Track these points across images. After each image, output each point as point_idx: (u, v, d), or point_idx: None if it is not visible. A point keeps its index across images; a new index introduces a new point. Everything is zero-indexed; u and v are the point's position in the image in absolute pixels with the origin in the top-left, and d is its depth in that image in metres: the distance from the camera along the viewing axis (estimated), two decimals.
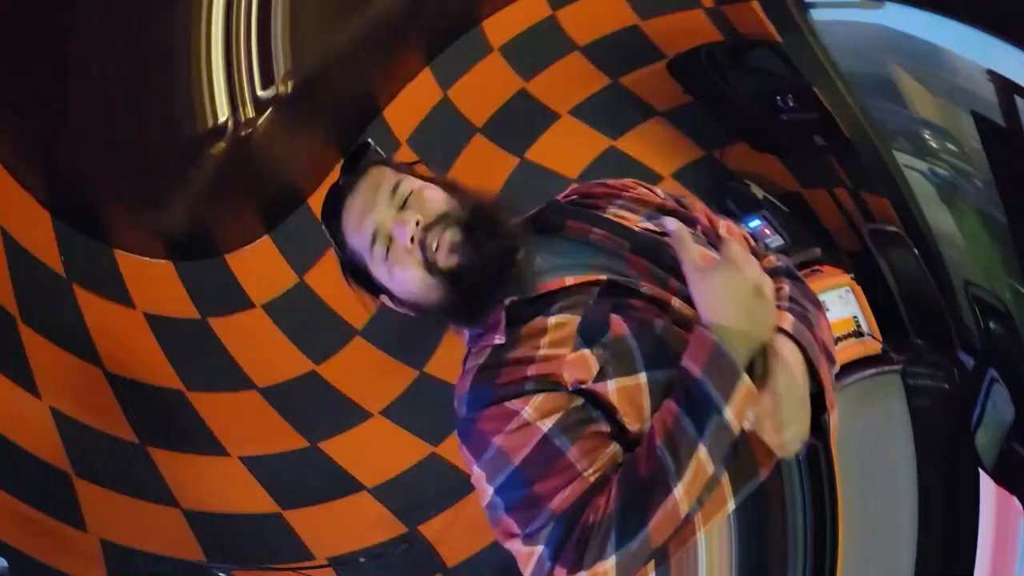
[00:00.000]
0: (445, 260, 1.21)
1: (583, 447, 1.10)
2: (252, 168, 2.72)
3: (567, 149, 3.86)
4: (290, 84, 2.46)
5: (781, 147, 3.67)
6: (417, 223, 1.22)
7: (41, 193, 2.39)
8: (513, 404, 1.12)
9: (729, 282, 1.10)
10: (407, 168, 1.34)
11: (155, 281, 2.76)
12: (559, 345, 1.16)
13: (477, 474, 1.14)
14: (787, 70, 3.69)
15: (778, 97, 3.59)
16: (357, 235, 1.27)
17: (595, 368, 1.13)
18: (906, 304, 2.89)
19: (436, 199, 1.26)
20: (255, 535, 2.72)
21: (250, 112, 2.40)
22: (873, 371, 2.13)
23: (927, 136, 3.53)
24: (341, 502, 2.84)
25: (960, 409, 2.46)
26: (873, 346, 2.15)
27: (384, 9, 2.82)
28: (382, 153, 1.35)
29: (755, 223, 3.14)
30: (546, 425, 1.11)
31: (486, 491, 1.13)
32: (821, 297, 2.44)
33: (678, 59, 3.81)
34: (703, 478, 1.05)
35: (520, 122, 3.76)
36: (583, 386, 1.13)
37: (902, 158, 3.60)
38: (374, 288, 1.32)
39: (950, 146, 3.19)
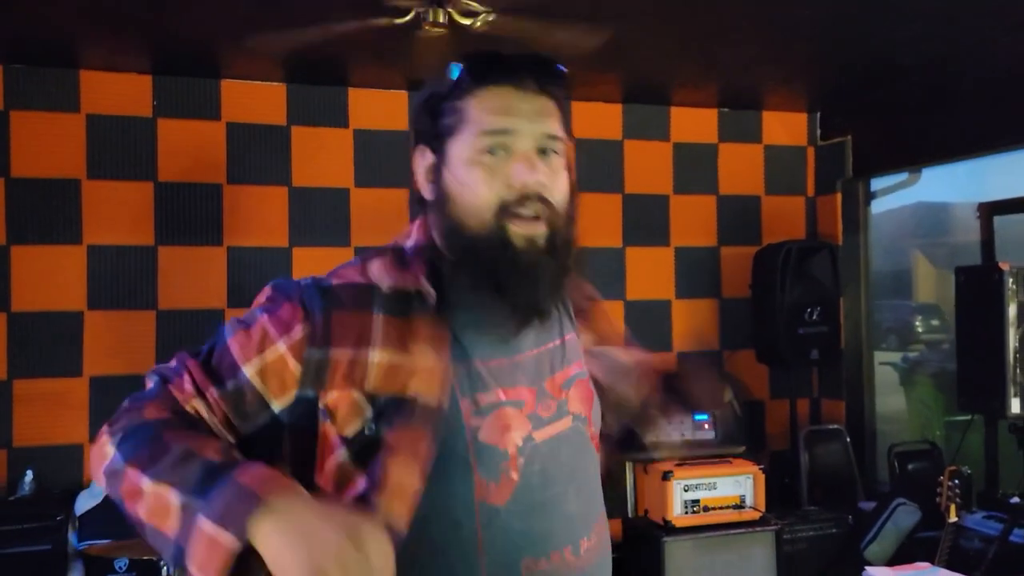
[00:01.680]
0: (520, 231, 1.05)
1: (246, 387, 1.02)
2: None
3: (644, 274, 4.48)
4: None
5: (781, 361, 4.25)
6: (542, 190, 1.06)
7: None
8: (301, 326, 1.02)
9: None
10: (566, 128, 1.12)
11: None
12: (375, 344, 1.02)
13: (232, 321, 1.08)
14: (831, 280, 4.39)
15: (808, 310, 4.19)
16: (488, 117, 1.06)
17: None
18: (812, 482, 3.88)
19: (561, 187, 1.10)
20: None
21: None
22: (745, 530, 2.96)
23: (918, 323, 4.37)
24: None
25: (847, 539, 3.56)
26: (751, 514, 2.97)
27: None
28: (565, 96, 1.13)
29: (701, 418, 3.91)
30: (265, 355, 1.03)
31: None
32: (728, 479, 3.40)
33: (767, 248, 4.40)
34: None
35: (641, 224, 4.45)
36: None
37: (881, 356, 4.38)
38: (433, 143, 1.11)
39: (934, 322, 4.07)
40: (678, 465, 3.09)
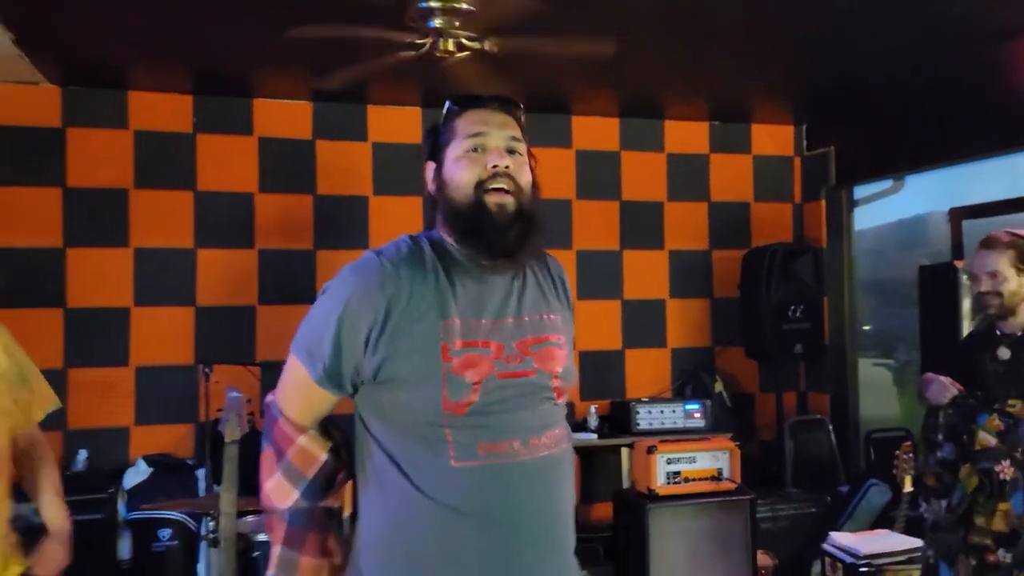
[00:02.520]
0: (493, 200, 1.43)
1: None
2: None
3: (640, 275, 4.85)
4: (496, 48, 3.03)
5: (767, 356, 4.60)
6: (507, 168, 1.44)
7: None
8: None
9: None
10: (526, 141, 1.52)
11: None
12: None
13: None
14: (814, 280, 4.72)
15: (792, 308, 4.52)
16: (469, 127, 1.46)
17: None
18: (797, 468, 4.25)
19: (525, 175, 1.48)
20: None
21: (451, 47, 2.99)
22: (722, 499, 3.32)
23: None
24: None
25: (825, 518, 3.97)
26: (728, 485, 3.33)
27: None
28: (523, 118, 1.55)
29: (693, 406, 4.27)
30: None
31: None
32: (707, 454, 3.72)
33: (754, 251, 4.76)
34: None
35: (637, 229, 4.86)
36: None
37: (867, 361, 4.78)
38: (433, 156, 1.52)
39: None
40: (662, 441, 3.44)
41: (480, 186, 1.44)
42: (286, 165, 4.32)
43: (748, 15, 3.41)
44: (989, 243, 2.53)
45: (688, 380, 4.93)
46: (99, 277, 4.05)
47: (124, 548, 3.79)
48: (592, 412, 4.52)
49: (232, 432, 2.63)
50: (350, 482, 1.53)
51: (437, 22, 2.99)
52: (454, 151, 1.47)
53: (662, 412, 4.44)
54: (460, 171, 1.45)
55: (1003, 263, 2.48)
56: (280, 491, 1.47)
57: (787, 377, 4.94)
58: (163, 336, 4.09)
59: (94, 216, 4.05)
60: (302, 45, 3.30)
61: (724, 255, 5.06)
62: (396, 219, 4.41)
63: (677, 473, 3.34)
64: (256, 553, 3.09)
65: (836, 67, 4.20)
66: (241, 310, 4.22)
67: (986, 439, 2.38)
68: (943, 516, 2.50)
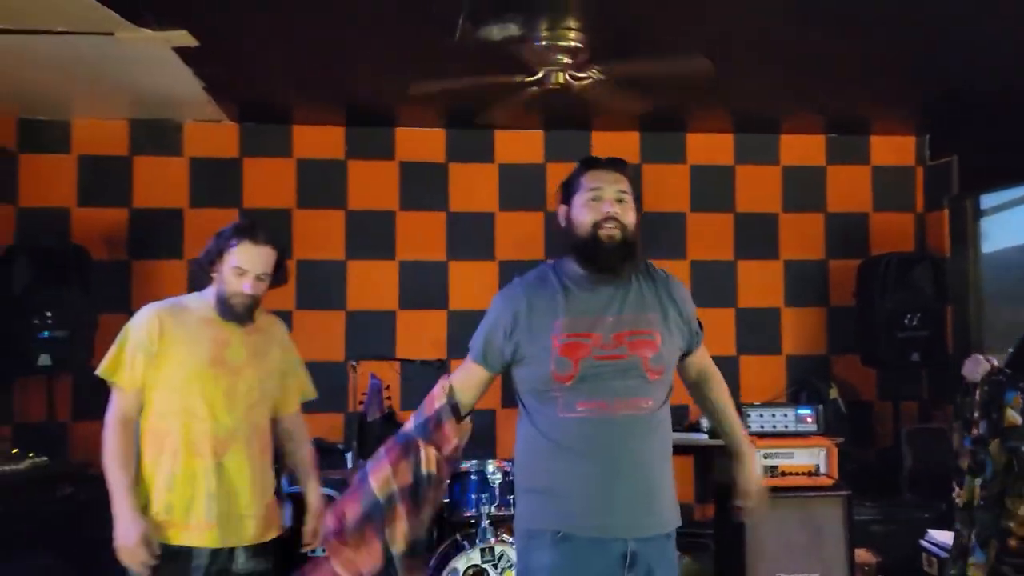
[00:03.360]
0: (605, 232, 2.03)
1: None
2: None
3: (754, 285, 5.05)
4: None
5: (881, 363, 4.66)
6: (616, 213, 2.04)
7: None
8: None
9: None
10: (633, 190, 2.13)
11: None
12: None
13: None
14: (933, 289, 4.75)
15: (908, 315, 4.58)
16: (593, 181, 2.08)
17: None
18: (914, 476, 4.22)
19: (630, 216, 2.07)
20: None
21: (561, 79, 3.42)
22: (817, 494, 3.51)
23: None
24: None
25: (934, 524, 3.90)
26: (824, 481, 3.51)
27: None
28: (629, 172, 2.14)
29: (805, 411, 4.35)
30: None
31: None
32: (805, 451, 3.98)
33: (870, 260, 4.85)
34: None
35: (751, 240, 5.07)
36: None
37: None
38: (566, 202, 2.13)
39: None
40: (760, 437, 3.65)
41: (596, 225, 2.05)
42: (422, 186, 4.86)
43: (856, 35, 3.53)
44: None
45: (802, 386, 5.05)
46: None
47: (286, 516, 4.39)
48: None
49: (372, 412, 3.13)
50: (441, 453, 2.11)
51: (550, 59, 3.39)
52: (579, 200, 2.09)
53: (773, 416, 4.59)
54: (583, 214, 2.08)
55: None
56: (408, 422, 2.15)
57: (907, 386, 4.96)
58: (320, 335, 4.70)
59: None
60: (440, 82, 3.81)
61: (841, 265, 5.14)
62: (519, 232, 4.84)
63: (775, 467, 3.55)
64: None
65: (961, 76, 4.19)
66: (384, 314, 4.78)
67: (1013, 417, 2.46)
68: (978, 495, 2.59)
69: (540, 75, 3.46)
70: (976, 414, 2.60)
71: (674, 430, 4.60)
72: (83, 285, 4.18)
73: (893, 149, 5.26)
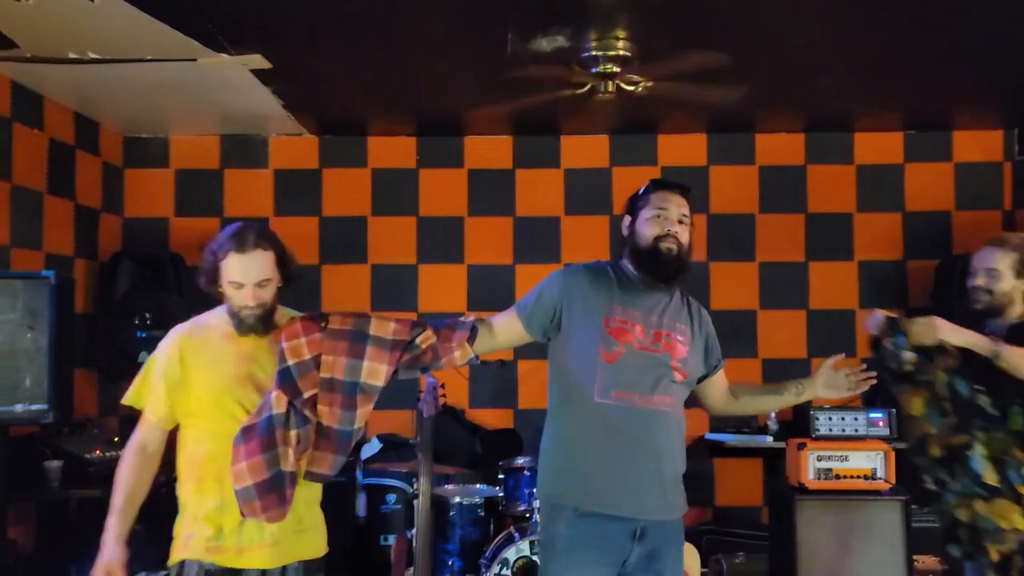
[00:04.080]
0: (665, 246, 2.29)
1: None
2: None
3: (826, 286, 4.98)
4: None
5: None
6: (676, 232, 2.30)
7: None
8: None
9: None
10: (690, 212, 2.38)
11: None
12: None
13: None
14: None
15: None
16: (661, 201, 2.34)
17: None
18: None
19: (686, 236, 2.35)
20: None
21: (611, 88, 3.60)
22: (873, 498, 3.45)
23: None
24: None
25: None
26: (880, 485, 3.46)
27: None
28: (692, 193, 2.42)
29: (877, 414, 4.23)
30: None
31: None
32: (861, 454, 3.84)
33: (946, 260, 4.71)
34: None
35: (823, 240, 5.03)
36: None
37: None
38: (631, 213, 2.40)
39: None
40: (813, 439, 3.63)
41: (658, 238, 2.31)
42: (490, 192, 5.03)
43: (936, 25, 3.41)
44: (997, 242, 2.60)
45: (877, 390, 4.91)
46: (344, 292, 5.00)
47: (360, 506, 4.66)
48: (772, 417, 4.71)
49: (428, 409, 3.31)
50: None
51: (599, 67, 3.50)
52: (646, 214, 2.35)
53: (843, 419, 4.50)
54: (648, 228, 2.33)
55: (1004, 263, 2.54)
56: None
57: None
58: None
59: (342, 239, 5.02)
60: (501, 92, 3.97)
61: (920, 265, 4.99)
62: (585, 236, 4.94)
63: (828, 470, 3.52)
64: (452, 513, 3.75)
65: None
66: (451, 316, 4.96)
67: (911, 358, 2.70)
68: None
69: (590, 85, 3.56)
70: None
71: (741, 432, 4.72)
72: (179, 289, 4.55)
73: (978, 144, 5.06)
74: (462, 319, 2.43)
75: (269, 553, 2.24)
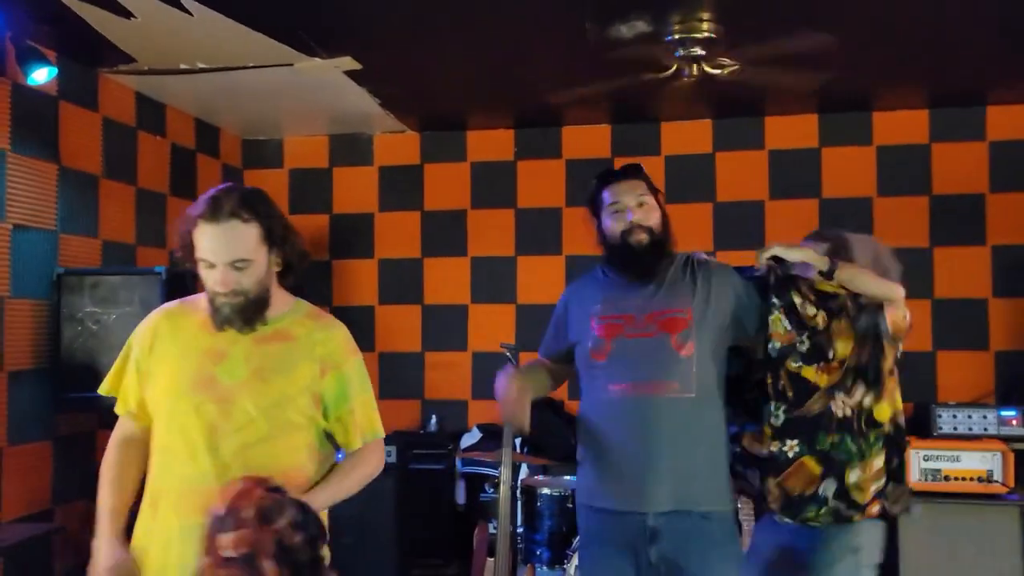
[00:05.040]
0: (634, 239, 2.20)
1: None
2: None
3: (953, 271, 4.61)
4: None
5: None
6: (640, 219, 2.20)
7: None
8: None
9: None
10: (652, 190, 2.28)
11: None
12: None
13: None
14: None
15: None
16: (611, 196, 2.26)
17: None
18: None
19: (653, 217, 2.24)
20: None
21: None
22: (986, 502, 3.15)
23: None
24: None
25: None
26: (997, 488, 3.15)
27: None
28: (646, 175, 2.31)
29: (1009, 412, 3.84)
30: None
31: None
32: (975, 455, 3.57)
33: None
34: None
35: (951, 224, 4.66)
36: None
37: None
38: (595, 214, 2.33)
39: None
40: (920, 438, 3.37)
41: (624, 235, 2.23)
42: (587, 182, 4.96)
43: None
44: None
45: (1015, 386, 4.51)
46: (446, 281, 5.11)
47: (460, 494, 4.76)
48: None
49: None
50: None
51: (682, 51, 3.39)
52: (604, 214, 2.29)
53: (970, 417, 4.18)
54: (612, 226, 2.27)
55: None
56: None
57: None
58: (491, 327, 5.01)
59: (443, 232, 5.13)
60: (588, 77, 3.92)
61: None
62: (688, 224, 4.75)
63: (937, 471, 3.26)
64: (539, 503, 3.76)
65: None
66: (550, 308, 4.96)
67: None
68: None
69: (674, 69, 3.46)
70: None
71: None
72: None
73: None
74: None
75: None
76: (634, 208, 2.23)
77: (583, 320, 2.29)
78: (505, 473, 3.33)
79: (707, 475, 2.16)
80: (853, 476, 2.17)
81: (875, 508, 2.18)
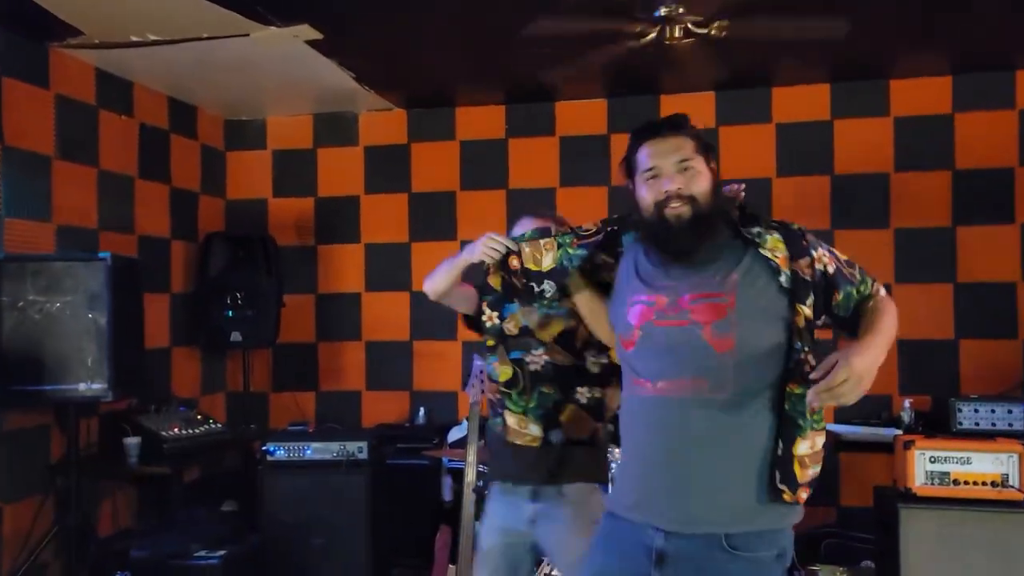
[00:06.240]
0: (671, 212, 1.79)
1: None
2: None
3: (978, 253, 4.25)
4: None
5: None
6: (679, 189, 1.78)
7: None
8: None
9: None
10: (703, 148, 1.84)
11: None
12: None
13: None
14: None
15: None
16: (647, 159, 1.82)
17: None
18: None
19: (700, 184, 1.79)
20: None
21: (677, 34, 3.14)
22: (1004, 509, 2.81)
23: None
24: None
25: None
26: (1013, 494, 2.81)
27: None
28: (695, 130, 1.87)
29: None
30: None
31: None
32: (986, 456, 3.12)
33: None
34: None
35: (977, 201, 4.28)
36: None
37: None
38: (630, 176, 1.88)
39: None
40: (927, 437, 3.04)
41: (659, 205, 1.81)
42: (583, 160, 4.68)
43: None
44: None
45: None
46: (435, 266, 4.84)
47: (446, 491, 4.53)
48: (906, 407, 4.10)
49: (475, 394, 3.08)
50: None
51: (663, 10, 3.08)
52: (638, 179, 1.87)
53: (993, 411, 3.83)
54: (645, 196, 1.85)
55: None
56: None
57: None
58: None
59: (432, 215, 4.88)
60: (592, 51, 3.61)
61: None
62: None
63: (945, 474, 2.93)
64: None
65: None
66: None
67: None
68: None
69: (655, 29, 3.16)
70: None
71: (870, 423, 4.14)
72: (268, 269, 4.60)
73: None
74: None
75: None
76: (673, 175, 1.80)
77: (621, 302, 1.94)
78: (469, 473, 3.07)
79: (738, 492, 1.76)
80: None
81: None
